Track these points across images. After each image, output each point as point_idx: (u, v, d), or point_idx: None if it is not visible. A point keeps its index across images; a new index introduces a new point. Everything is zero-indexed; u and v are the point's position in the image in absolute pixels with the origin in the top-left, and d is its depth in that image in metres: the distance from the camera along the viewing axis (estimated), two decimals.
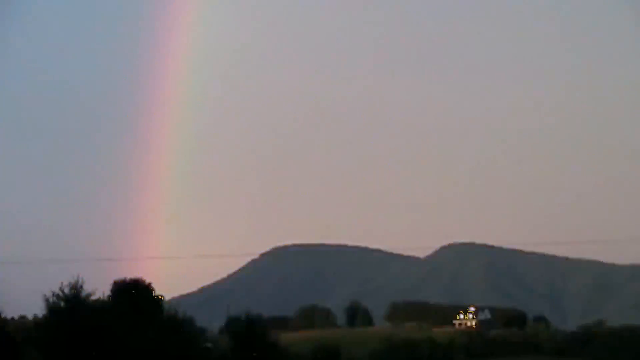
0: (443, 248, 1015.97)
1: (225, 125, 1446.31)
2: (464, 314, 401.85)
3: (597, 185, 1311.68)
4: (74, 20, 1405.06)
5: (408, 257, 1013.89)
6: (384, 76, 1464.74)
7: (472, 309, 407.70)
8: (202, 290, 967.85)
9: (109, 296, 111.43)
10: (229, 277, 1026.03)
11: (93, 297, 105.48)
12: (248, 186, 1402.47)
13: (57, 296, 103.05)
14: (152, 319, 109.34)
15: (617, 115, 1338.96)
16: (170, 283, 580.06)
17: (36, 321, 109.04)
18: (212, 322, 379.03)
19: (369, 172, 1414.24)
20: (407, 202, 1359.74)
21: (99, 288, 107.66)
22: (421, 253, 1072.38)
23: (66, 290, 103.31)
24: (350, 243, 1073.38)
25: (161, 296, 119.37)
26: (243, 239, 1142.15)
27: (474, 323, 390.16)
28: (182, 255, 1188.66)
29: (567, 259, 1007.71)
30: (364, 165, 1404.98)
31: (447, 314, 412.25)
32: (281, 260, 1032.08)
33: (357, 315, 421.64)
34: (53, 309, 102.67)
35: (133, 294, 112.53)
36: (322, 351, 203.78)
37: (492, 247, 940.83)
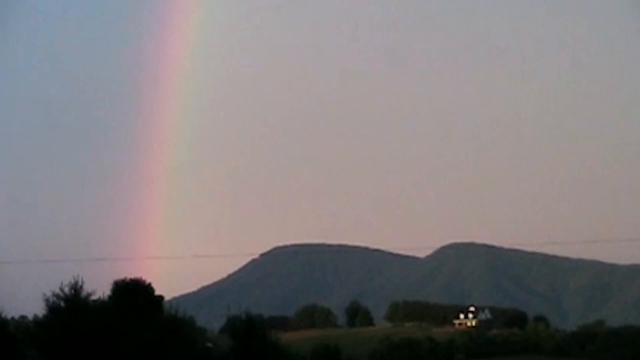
0: (443, 248, 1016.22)
1: (225, 125, 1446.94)
2: (464, 314, 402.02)
3: (598, 185, 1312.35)
4: (75, 19, 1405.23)
5: (408, 257, 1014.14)
6: (385, 76, 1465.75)
7: (472, 309, 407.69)
8: (202, 290, 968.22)
9: (109, 296, 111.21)
10: (229, 277, 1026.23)
11: (93, 297, 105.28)
12: (248, 186, 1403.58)
13: (57, 296, 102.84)
14: (152, 319, 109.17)
15: (617, 116, 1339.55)
16: (170, 283, 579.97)
17: (36, 321, 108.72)
18: (212, 322, 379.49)
19: (369, 172, 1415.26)
20: (407, 202, 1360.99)
21: (99, 288, 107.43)
22: (421, 253, 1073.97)
23: (66, 290, 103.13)
24: (350, 243, 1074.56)
25: (161, 296, 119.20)
26: (243, 239, 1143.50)
27: (474, 323, 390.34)
28: (182, 255, 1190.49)
29: (567, 259, 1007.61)
30: (364, 165, 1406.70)
31: (447, 314, 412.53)
32: (281, 260, 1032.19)
33: (357, 315, 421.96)
34: (53, 309, 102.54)
35: (133, 294, 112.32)
36: (322, 351, 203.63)
37: (492, 247, 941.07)
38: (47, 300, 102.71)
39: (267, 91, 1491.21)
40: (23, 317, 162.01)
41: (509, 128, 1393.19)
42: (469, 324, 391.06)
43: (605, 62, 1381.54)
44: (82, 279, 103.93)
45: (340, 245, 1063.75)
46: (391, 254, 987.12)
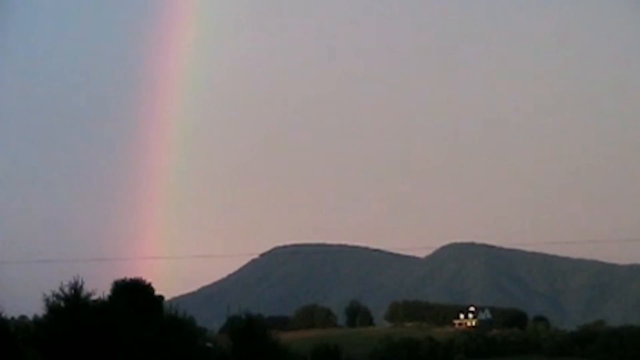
0: (443, 248, 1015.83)
1: (225, 125, 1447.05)
2: (464, 314, 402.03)
3: (598, 185, 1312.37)
4: (75, 19, 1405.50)
5: (408, 257, 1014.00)
6: (384, 76, 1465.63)
7: (472, 309, 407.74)
8: (202, 290, 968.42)
9: (109, 296, 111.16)
10: (229, 277, 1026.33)
11: (93, 297, 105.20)
12: (248, 186, 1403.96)
13: (57, 296, 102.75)
14: (152, 319, 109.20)
15: (617, 115, 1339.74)
16: (170, 283, 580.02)
17: (36, 321, 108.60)
18: (212, 322, 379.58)
19: (368, 172, 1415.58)
20: (407, 202, 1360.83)
21: (99, 288, 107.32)
22: (421, 253, 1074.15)
23: (66, 290, 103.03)
24: (350, 243, 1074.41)
25: (161, 296, 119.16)
26: (243, 239, 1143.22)
27: (474, 323, 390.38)
28: (182, 255, 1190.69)
29: (567, 259, 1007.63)
30: (364, 165, 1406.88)
31: (447, 314, 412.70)
32: (281, 260, 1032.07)
33: (357, 315, 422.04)
34: (53, 309, 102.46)
35: (133, 294, 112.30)
36: (322, 351, 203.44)
37: (492, 247, 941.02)
38: (47, 300, 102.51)
39: (267, 91, 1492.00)
40: (23, 317, 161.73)
41: (509, 128, 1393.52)
42: (469, 324, 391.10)
43: (605, 61, 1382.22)
44: (82, 279, 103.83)
45: (340, 245, 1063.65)
46: (391, 254, 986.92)
